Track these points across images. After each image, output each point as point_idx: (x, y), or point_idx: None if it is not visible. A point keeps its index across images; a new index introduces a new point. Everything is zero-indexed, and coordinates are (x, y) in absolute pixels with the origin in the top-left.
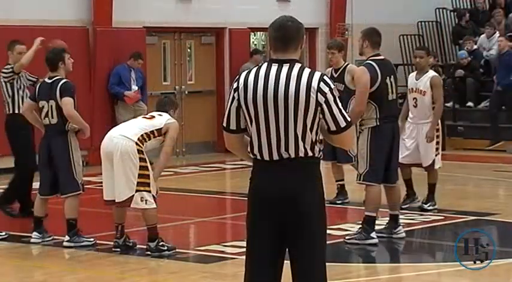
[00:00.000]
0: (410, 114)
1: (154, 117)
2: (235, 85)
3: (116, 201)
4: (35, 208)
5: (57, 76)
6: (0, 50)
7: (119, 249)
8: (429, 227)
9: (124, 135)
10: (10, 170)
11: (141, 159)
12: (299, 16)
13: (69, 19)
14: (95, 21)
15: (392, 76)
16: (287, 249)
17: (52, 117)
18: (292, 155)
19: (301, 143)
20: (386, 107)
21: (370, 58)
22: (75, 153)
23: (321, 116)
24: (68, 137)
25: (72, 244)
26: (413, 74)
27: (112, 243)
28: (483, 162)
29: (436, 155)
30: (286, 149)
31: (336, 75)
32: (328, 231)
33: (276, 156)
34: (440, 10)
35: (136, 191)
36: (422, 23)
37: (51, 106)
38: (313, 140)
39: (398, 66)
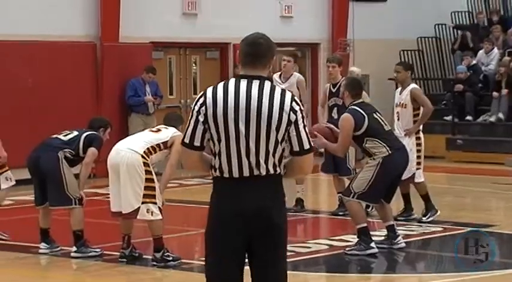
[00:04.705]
0: (395, 129)
1: (160, 130)
2: (201, 100)
3: (123, 212)
4: (39, 220)
5: None
6: (10, 64)
7: (125, 260)
8: (428, 238)
9: (130, 148)
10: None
11: (147, 172)
12: (302, 32)
13: (78, 34)
14: (103, 36)
15: (377, 112)
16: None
17: None
18: (263, 172)
19: (271, 159)
20: (388, 137)
21: (352, 104)
22: (66, 169)
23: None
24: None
25: (79, 254)
26: (398, 89)
27: (118, 253)
28: (482, 174)
29: (417, 169)
30: (257, 166)
31: (334, 90)
32: (329, 242)
33: (246, 173)
34: (440, 26)
35: (143, 202)
36: (422, 38)
37: None
38: (281, 156)
39: None
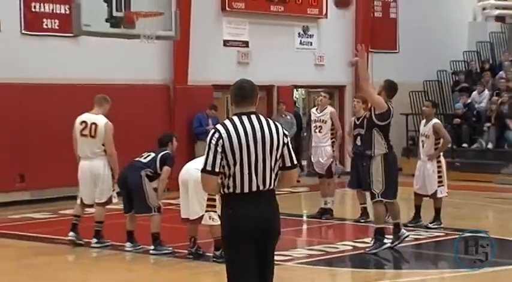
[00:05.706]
0: (420, 155)
1: None
2: (216, 135)
3: (190, 219)
4: (126, 223)
5: None
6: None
7: (191, 256)
8: (433, 241)
9: (196, 167)
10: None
11: None
12: (331, 76)
13: (154, 78)
14: (175, 80)
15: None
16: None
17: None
18: (266, 187)
19: (272, 175)
20: (388, 141)
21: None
22: (147, 184)
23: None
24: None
25: (156, 252)
26: (423, 121)
27: (186, 251)
28: (476, 190)
29: (439, 186)
30: (263, 182)
31: (358, 122)
32: (353, 244)
33: (254, 188)
34: (441, 72)
35: (206, 211)
36: (427, 81)
37: None
38: (277, 173)
39: (408, 116)
